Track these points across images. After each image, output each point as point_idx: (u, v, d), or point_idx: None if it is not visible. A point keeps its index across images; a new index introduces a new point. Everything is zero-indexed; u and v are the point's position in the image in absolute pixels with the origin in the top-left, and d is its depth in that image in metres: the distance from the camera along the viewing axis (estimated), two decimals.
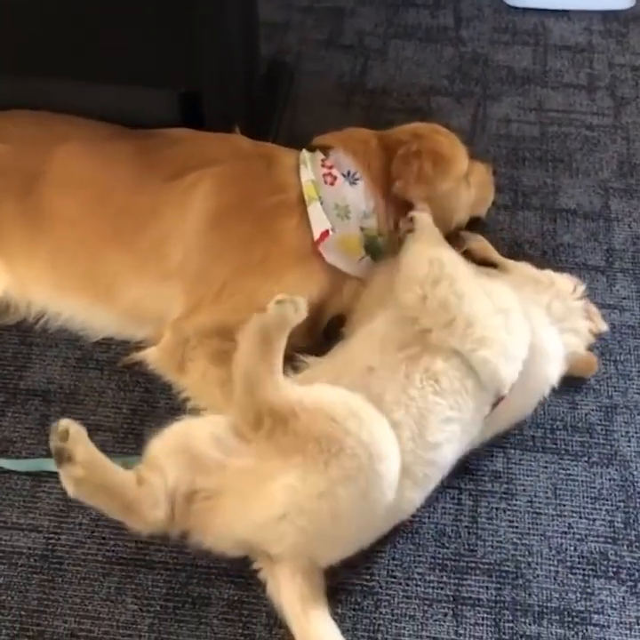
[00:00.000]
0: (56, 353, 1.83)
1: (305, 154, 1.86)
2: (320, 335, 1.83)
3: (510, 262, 1.85)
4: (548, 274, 1.80)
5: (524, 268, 1.82)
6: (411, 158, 1.80)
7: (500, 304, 1.61)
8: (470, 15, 2.72)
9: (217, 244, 1.77)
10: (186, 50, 1.82)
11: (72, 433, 1.37)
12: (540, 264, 1.95)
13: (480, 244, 1.90)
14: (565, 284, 1.78)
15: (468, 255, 1.86)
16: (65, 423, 1.38)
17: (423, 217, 1.78)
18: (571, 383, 1.81)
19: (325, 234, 1.77)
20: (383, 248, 1.85)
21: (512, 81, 2.51)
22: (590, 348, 1.83)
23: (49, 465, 1.64)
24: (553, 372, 1.70)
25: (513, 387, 1.59)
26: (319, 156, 1.86)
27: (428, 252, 1.66)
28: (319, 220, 1.78)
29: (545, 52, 2.60)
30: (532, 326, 1.64)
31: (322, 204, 1.79)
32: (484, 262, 1.87)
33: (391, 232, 1.85)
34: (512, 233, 2.12)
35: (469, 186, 1.99)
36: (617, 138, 2.35)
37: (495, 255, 1.87)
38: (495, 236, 2.09)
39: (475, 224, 2.05)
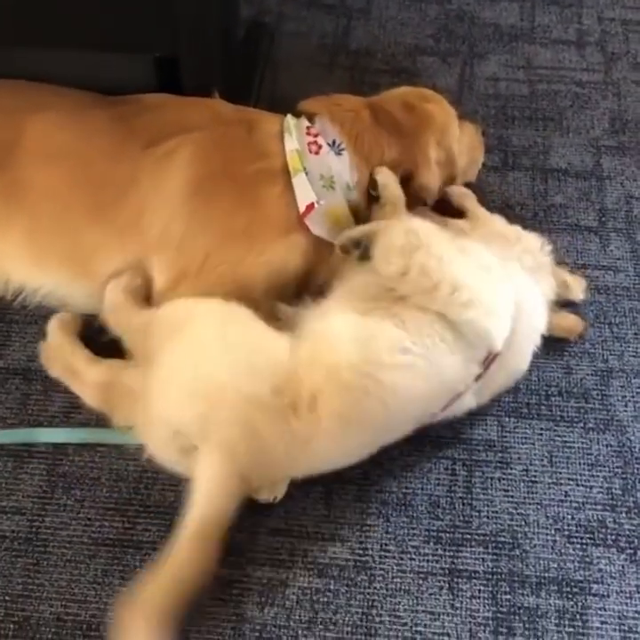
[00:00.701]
0: (36, 330, 1.78)
1: (289, 120, 1.80)
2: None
3: (481, 213, 1.81)
4: (516, 229, 1.77)
5: (493, 222, 1.78)
6: None
7: (481, 262, 1.58)
8: None
9: (198, 214, 1.71)
10: (160, 13, 1.74)
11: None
12: (532, 226, 1.91)
13: (460, 190, 1.85)
14: (532, 241, 1.75)
15: (445, 201, 1.85)
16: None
17: (387, 179, 1.76)
18: (565, 348, 1.78)
19: (311, 207, 1.72)
20: (366, 221, 1.79)
21: (499, 38, 2.45)
22: (582, 311, 1.78)
23: (35, 435, 1.64)
24: (539, 321, 1.67)
25: (505, 342, 1.54)
26: (304, 123, 1.80)
27: (402, 224, 1.61)
28: (304, 193, 1.72)
29: (532, 8, 2.53)
30: (512, 279, 1.61)
31: (307, 174, 1.73)
32: (457, 210, 1.84)
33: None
34: (502, 194, 2.06)
35: (460, 148, 1.93)
36: (608, 94, 2.29)
37: (469, 203, 1.82)
38: (485, 198, 2.03)
39: (466, 188, 1.99)
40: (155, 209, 1.72)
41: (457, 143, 1.91)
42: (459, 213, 1.84)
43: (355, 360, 1.44)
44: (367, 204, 1.81)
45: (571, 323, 1.78)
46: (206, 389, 1.44)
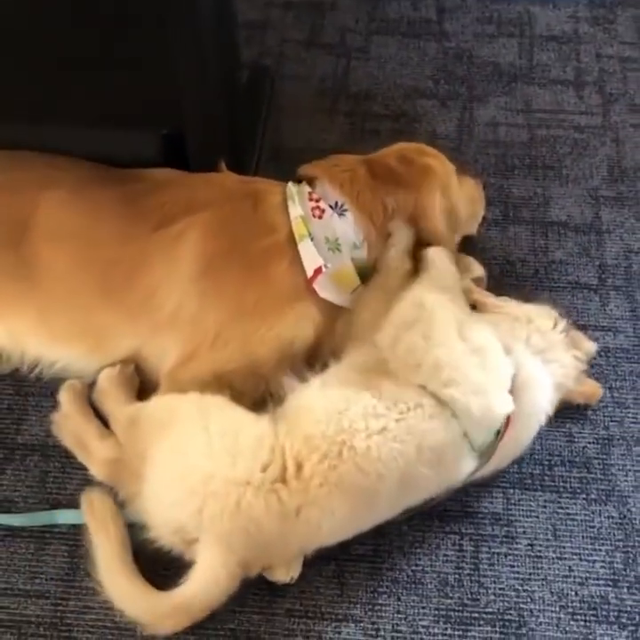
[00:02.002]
0: (52, 403, 1.81)
1: (291, 188, 1.83)
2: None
3: (490, 303, 1.83)
4: (527, 312, 1.79)
5: (503, 309, 1.81)
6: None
7: (475, 343, 1.63)
8: (453, 6, 2.65)
9: (209, 292, 1.75)
10: (165, 90, 1.77)
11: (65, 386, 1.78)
12: (532, 284, 1.95)
13: (464, 286, 1.88)
14: (544, 321, 1.78)
15: None
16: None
17: (402, 233, 1.81)
18: (567, 414, 1.82)
19: (319, 271, 1.75)
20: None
21: (498, 79, 2.47)
22: (588, 374, 1.82)
23: (54, 517, 1.68)
24: (544, 401, 1.71)
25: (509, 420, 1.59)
26: (306, 188, 1.83)
27: (418, 295, 1.69)
28: (311, 257, 1.76)
29: (531, 45, 2.56)
30: (514, 359, 1.66)
31: (312, 239, 1.77)
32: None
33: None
34: (503, 250, 2.10)
35: (459, 206, 1.97)
36: (606, 140, 2.33)
37: (476, 295, 1.86)
38: (486, 254, 2.08)
39: (466, 242, 2.03)
40: (165, 289, 1.76)
41: (458, 195, 1.93)
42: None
43: (328, 430, 1.53)
44: None
45: (589, 388, 1.82)
46: (196, 485, 1.50)
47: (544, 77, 2.47)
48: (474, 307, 1.84)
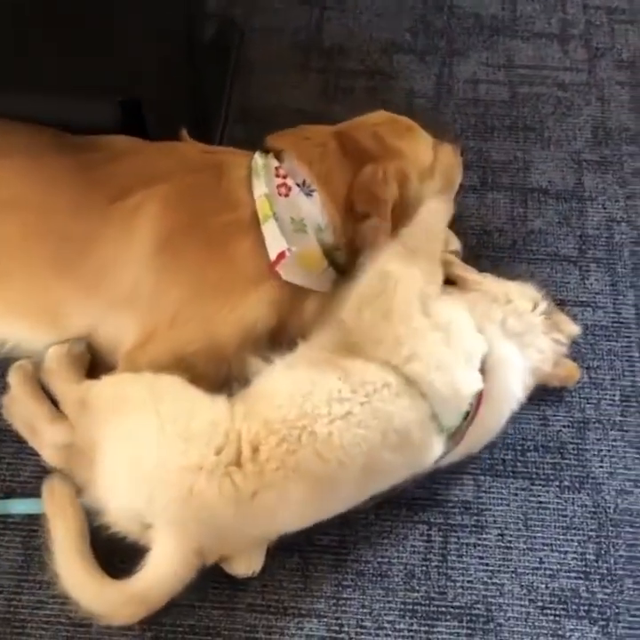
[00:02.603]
0: (2, 385, 1.73)
1: (257, 161, 1.73)
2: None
3: (470, 279, 1.75)
4: (507, 291, 1.71)
5: (483, 285, 1.73)
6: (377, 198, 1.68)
7: (440, 319, 1.57)
8: None
9: (167, 270, 1.66)
10: (119, 56, 1.65)
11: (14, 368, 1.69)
12: (510, 256, 1.88)
13: (445, 257, 1.79)
14: (523, 302, 1.70)
15: None
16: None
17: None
18: (542, 397, 1.76)
19: (282, 255, 1.66)
20: (342, 261, 1.74)
21: (479, 32, 2.35)
22: (566, 354, 1.75)
23: (7, 507, 1.63)
24: (517, 384, 1.65)
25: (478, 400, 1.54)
26: (273, 163, 1.73)
27: (384, 264, 1.61)
28: (275, 241, 1.67)
29: None
30: (486, 339, 1.60)
31: (277, 220, 1.68)
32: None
33: (348, 245, 1.74)
34: (481, 219, 2.02)
35: (435, 174, 1.87)
36: (591, 98, 2.22)
37: (457, 270, 1.77)
38: (463, 224, 1.99)
39: None
40: (122, 265, 1.67)
41: (425, 184, 1.83)
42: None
43: (289, 415, 1.47)
44: (347, 243, 1.74)
45: (567, 371, 1.75)
46: (147, 474, 1.45)
47: (528, 30, 2.35)
48: (454, 282, 1.75)
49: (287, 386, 1.52)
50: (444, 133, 1.95)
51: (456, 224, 1.93)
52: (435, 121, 2.15)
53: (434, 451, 1.55)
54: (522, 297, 1.72)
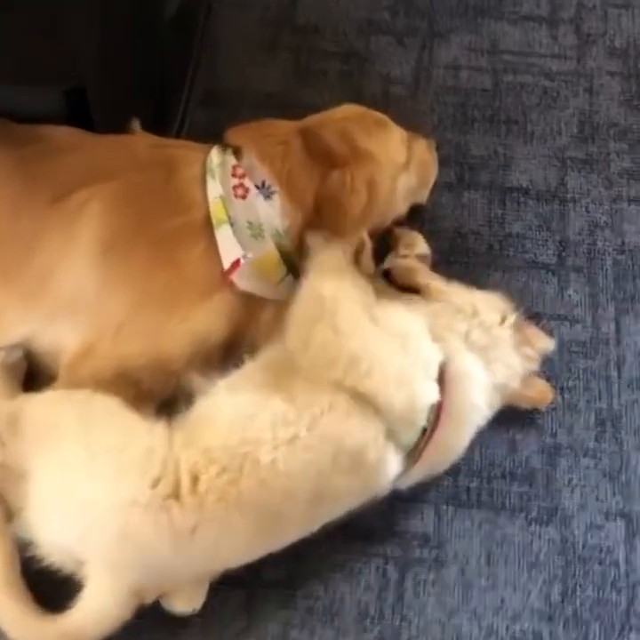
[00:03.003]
0: None
1: (213, 159, 1.60)
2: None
3: (435, 287, 1.63)
4: (473, 302, 1.59)
5: (448, 296, 1.61)
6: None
7: (391, 326, 1.46)
8: None
9: (111, 277, 1.54)
10: (59, 42, 1.51)
11: None
12: (485, 262, 1.75)
13: (404, 265, 1.68)
14: (490, 315, 1.58)
15: (390, 278, 1.67)
16: None
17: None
18: (512, 419, 1.65)
19: (236, 263, 1.54)
20: (300, 267, 1.62)
21: (463, 12, 2.19)
22: (538, 372, 1.64)
23: None
24: (478, 399, 1.53)
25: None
26: (230, 161, 1.60)
27: (314, 286, 1.50)
28: (229, 248, 1.55)
29: None
30: (443, 349, 1.48)
31: (232, 225, 1.56)
32: (405, 288, 1.65)
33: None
34: (455, 221, 1.88)
35: (409, 172, 1.75)
36: (579, 90, 2.08)
37: (419, 277, 1.64)
38: (435, 225, 1.87)
39: (413, 212, 1.81)
40: (63, 270, 1.55)
41: (399, 182, 1.72)
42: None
43: (230, 442, 1.36)
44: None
45: (539, 391, 1.64)
46: (79, 508, 1.34)
47: (515, 12, 2.19)
48: (417, 291, 1.63)
49: (229, 410, 1.41)
50: (419, 126, 1.82)
51: (428, 225, 1.81)
52: (412, 111, 2.01)
53: (390, 471, 1.44)
54: (489, 309, 1.60)
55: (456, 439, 1.54)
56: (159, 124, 1.86)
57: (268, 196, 1.59)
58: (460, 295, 1.61)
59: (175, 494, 1.33)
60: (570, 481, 1.62)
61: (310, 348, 1.44)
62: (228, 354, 1.59)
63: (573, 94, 2.07)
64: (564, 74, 2.09)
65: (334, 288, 1.49)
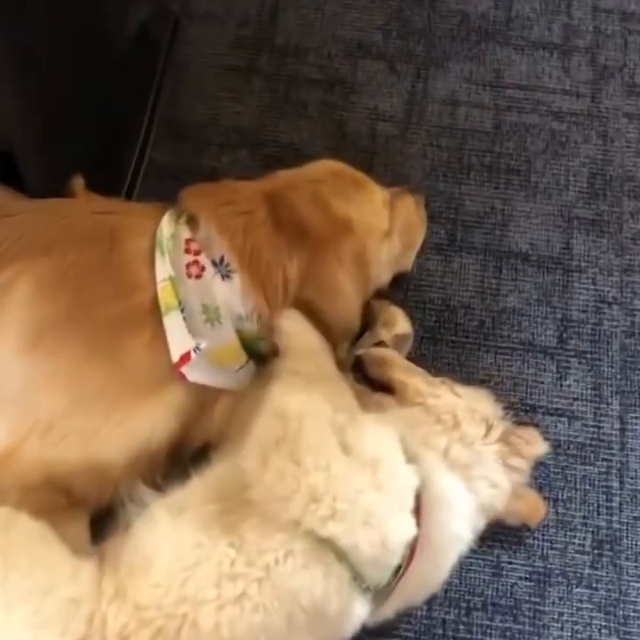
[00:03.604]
0: None
1: (163, 230, 1.38)
2: (184, 467, 1.42)
3: (412, 387, 1.41)
4: (454, 411, 1.37)
5: (426, 399, 1.39)
6: None
7: (364, 453, 1.22)
8: None
9: (41, 372, 1.32)
10: None
11: None
12: (474, 345, 1.54)
13: (378, 355, 1.45)
14: (473, 428, 1.36)
15: (360, 370, 1.46)
16: None
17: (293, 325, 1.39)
18: (497, 537, 1.44)
19: (187, 356, 1.33)
20: (266, 351, 1.43)
21: (465, 36, 1.94)
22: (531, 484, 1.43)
23: None
24: (460, 527, 1.32)
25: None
26: (183, 233, 1.38)
27: (278, 399, 1.27)
28: (178, 338, 1.34)
29: None
30: (421, 470, 1.26)
31: (183, 310, 1.34)
32: (378, 383, 1.44)
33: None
34: (443, 291, 1.66)
35: (392, 238, 1.52)
36: (591, 134, 1.84)
37: (396, 374, 1.43)
38: (421, 295, 1.65)
39: (395, 280, 1.59)
40: None
41: (382, 252, 1.50)
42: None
43: (167, 599, 1.14)
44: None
45: (530, 505, 1.43)
46: None
47: (523, 37, 1.94)
48: (391, 389, 1.41)
49: (168, 552, 1.19)
50: (407, 174, 1.68)
51: (413, 295, 1.59)
52: (400, 153, 1.77)
53: (357, 619, 1.24)
54: (472, 419, 1.38)
55: (434, 572, 1.34)
56: (111, 167, 1.63)
57: (226, 276, 1.37)
58: (439, 399, 1.39)
59: None
60: (560, 616, 1.42)
61: (265, 475, 1.22)
62: (176, 453, 1.40)
63: (585, 139, 1.83)
64: (575, 114, 1.85)
65: (301, 403, 1.25)
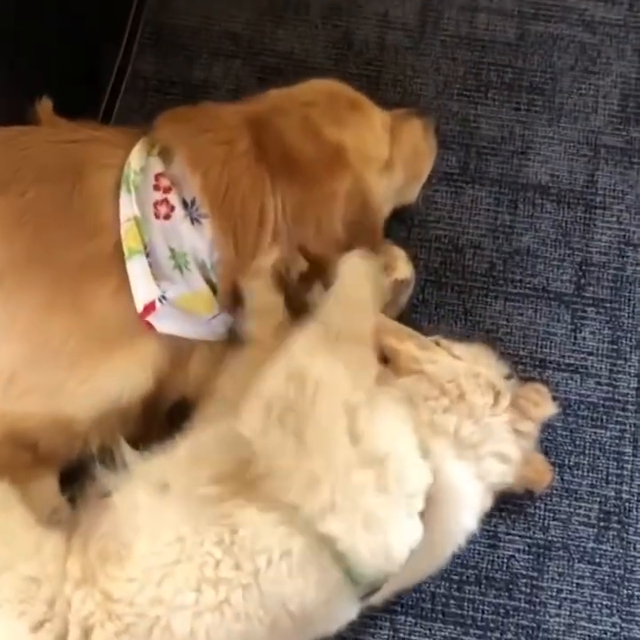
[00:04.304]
0: None
1: (132, 164, 1.23)
2: (161, 423, 1.31)
3: (406, 354, 1.27)
4: (458, 379, 1.23)
5: (423, 366, 1.25)
6: None
7: (374, 448, 1.11)
8: None
9: (1, 318, 1.21)
10: None
11: None
12: (484, 285, 1.41)
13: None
14: (481, 398, 1.23)
15: None
16: None
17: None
18: (496, 506, 1.32)
19: (151, 307, 1.20)
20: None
21: None
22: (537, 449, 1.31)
23: None
24: (466, 519, 1.21)
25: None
26: (154, 166, 1.25)
27: (299, 358, 1.14)
28: (143, 287, 1.23)
29: None
30: (432, 463, 1.15)
31: (148, 254, 1.21)
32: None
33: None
34: (452, 227, 1.52)
35: (393, 169, 1.36)
36: (627, 49, 1.65)
37: (388, 339, 1.28)
38: (426, 232, 1.51)
39: (397, 215, 1.45)
40: None
41: (382, 185, 1.36)
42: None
43: (141, 597, 1.05)
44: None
45: (536, 470, 1.31)
46: None
47: None
48: (385, 359, 1.27)
49: (145, 546, 1.08)
50: (417, 91, 1.53)
51: (417, 232, 1.44)
52: (411, 67, 1.60)
53: (345, 618, 1.16)
54: (477, 386, 1.24)
55: (430, 564, 1.26)
56: (86, 80, 1.47)
57: (196, 219, 1.23)
58: (437, 364, 1.26)
59: None
60: (558, 593, 1.32)
61: (266, 441, 1.10)
62: (152, 407, 1.30)
63: (619, 55, 1.64)
64: (609, 25, 1.66)
65: (323, 369, 1.13)
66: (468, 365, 1.26)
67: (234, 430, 1.14)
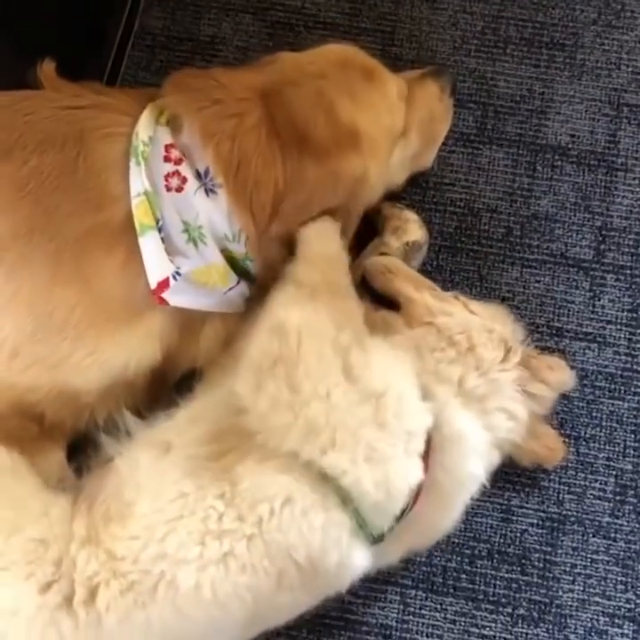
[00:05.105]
0: None
1: (140, 135, 1.20)
2: (171, 393, 1.29)
3: (419, 302, 1.24)
4: (468, 331, 1.21)
5: (435, 317, 1.22)
6: None
7: (370, 384, 1.09)
8: None
9: (4, 290, 1.18)
10: None
11: None
12: (501, 250, 1.38)
13: (381, 264, 1.28)
14: (491, 352, 1.20)
15: (366, 284, 1.30)
16: None
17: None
18: (509, 479, 1.31)
19: (165, 284, 1.17)
20: (254, 272, 1.26)
21: None
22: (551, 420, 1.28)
23: None
24: (473, 467, 1.19)
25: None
26: (163, 137, 1.22)
27: (277, 313, 1.13)
28: (156, 264, 1.20)
29: None
30: (435, 407, 1.13)
31: (160, 229, 1.17)
32: (386, 300, 1.27)
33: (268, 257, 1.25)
34: (468, 190, 1.47)
35: (409, 137, 1.33)
36: None
37: (401, 285, 1.26)
38: (442, 196, 1.47)
39: (411, 179, 1.40)
40: None
41: (395, 154, 1.32)
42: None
43: (144, 554, 1.06)
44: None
45: (548, 446, 1.29)
46: None
47: None
48: (397, 305, 1.24)
49: (147, 504, 1.08)
50: (433, 48, 1.47)
51: (432, 196, 1.40)
52: (427, 22, 1.54)
53: (355, 570, 1.13)
54: (489, 340, 1.21)
55: (442, 517, 1.23)
56: (92, 37, 1.42)
57: (211, 190, 1.19)
58: (451, 317, 1.23)
59: (67, 604, 1.05)
60: (572, 568, 1.30)
61: (260, 400, 1.08)
62: (160, 380, 1.29)
63: None
64: None
65: (301, 318, 1.12)
66: (482, 321, 1.23)
67: (231, 390, 1.12)
